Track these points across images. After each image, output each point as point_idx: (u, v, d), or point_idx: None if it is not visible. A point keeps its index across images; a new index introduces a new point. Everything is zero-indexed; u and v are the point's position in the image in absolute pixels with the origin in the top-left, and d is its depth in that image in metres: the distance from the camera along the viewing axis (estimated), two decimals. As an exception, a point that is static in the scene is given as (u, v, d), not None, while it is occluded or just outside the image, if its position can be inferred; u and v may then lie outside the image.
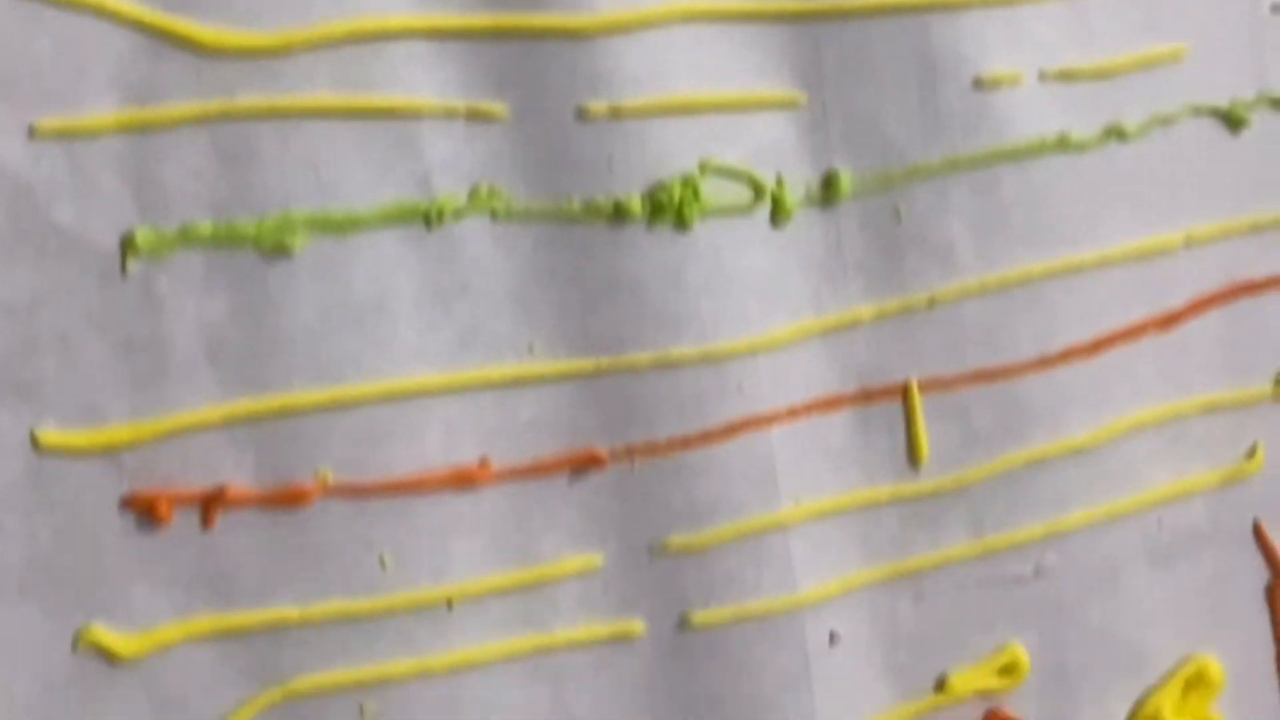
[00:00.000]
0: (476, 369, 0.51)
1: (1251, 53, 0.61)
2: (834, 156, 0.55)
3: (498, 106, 0.51)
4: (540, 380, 0.52)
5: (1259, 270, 0.61)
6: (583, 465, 0.52)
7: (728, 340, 0.53)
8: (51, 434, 0.46)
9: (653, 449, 0.53)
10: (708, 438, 0.54)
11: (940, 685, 0.58)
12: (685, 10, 0.53)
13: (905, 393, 0.57)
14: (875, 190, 0.56)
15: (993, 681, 0.58)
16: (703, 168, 0.53)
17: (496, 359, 0.51)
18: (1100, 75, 0.58)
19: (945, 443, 0.57)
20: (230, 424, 0.48)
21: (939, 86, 0.56)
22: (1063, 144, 0.58)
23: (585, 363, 0.52)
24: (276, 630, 0.49)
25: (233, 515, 0.48)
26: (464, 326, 0.51)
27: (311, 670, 0.50)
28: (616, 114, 0.52)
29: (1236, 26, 0.61)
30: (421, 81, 0.50)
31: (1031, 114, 0.57)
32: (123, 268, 0.47)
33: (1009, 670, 0.59)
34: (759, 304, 0.54)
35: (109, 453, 0.47)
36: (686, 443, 0.53)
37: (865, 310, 0.56)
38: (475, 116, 0.51)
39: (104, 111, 0.47)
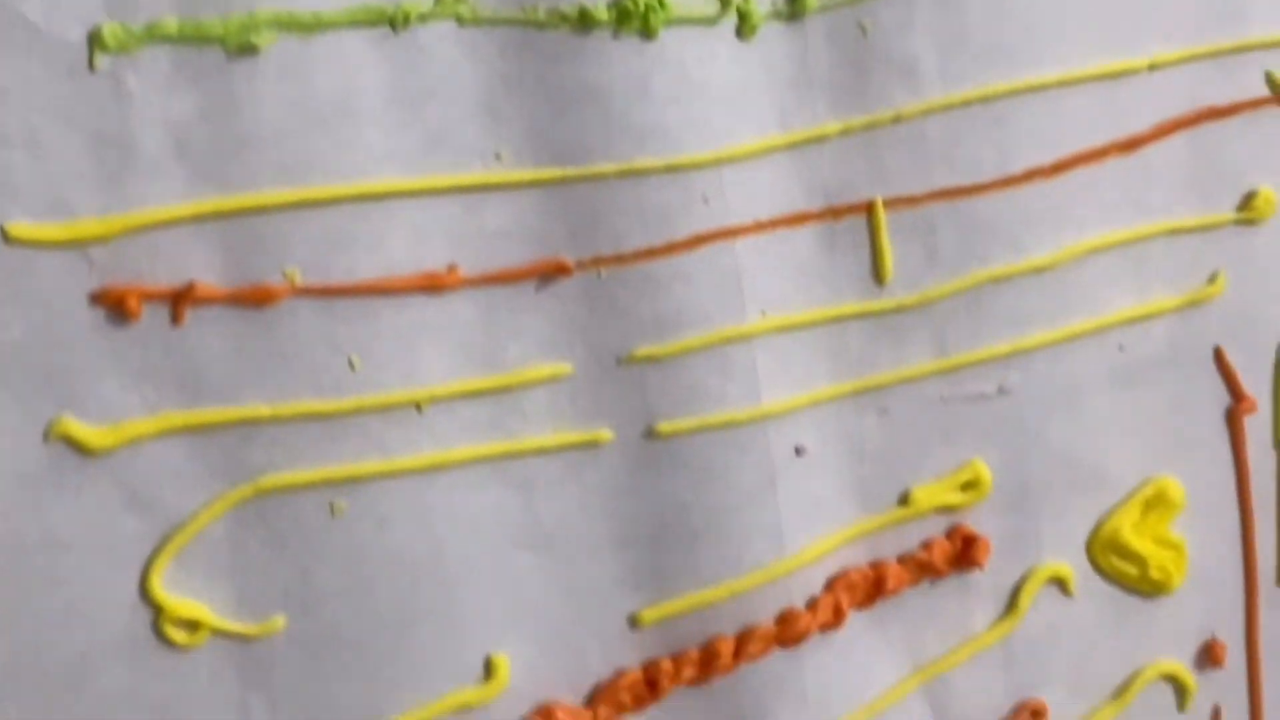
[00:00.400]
0: (443, 175, 0.51)
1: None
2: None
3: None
4: (507, 188, 0.52)
5: (1223, 95, 0.62)
6: (550, 274, 0.53)
7: (693, 152, 0.54)
8: (21, 227, 0.47)
9: (619, 259, 0.53)
10: (673, 248, 0.54)
11: (903, 500, 0.59)
12: None
13: (870, 209, 0.57)
14: (841, 4, 0.56)
15: (955, 497, 0.59)
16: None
17: (463, 166, 0.52)
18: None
19: (909, 260, 0.58)
20: (198, 221, 0.49)
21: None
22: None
23: (552, 171, 0.52)
24: (247, 428, 0.50)
25: (202, 312, 0.49)
26: (430, 131, 0.51)
27: (282, 468, 0.50)
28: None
29: None
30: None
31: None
32: (90, 63, 0.47)
33: (971, 486, 0.60)
34: (725, 117, 0.54)
35: (79, 247, 0.48)
36: (652, 253, 0.54)
37: (831, 126, 0.56)
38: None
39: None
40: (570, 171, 0.53)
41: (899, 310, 0.58)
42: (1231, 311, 0.63)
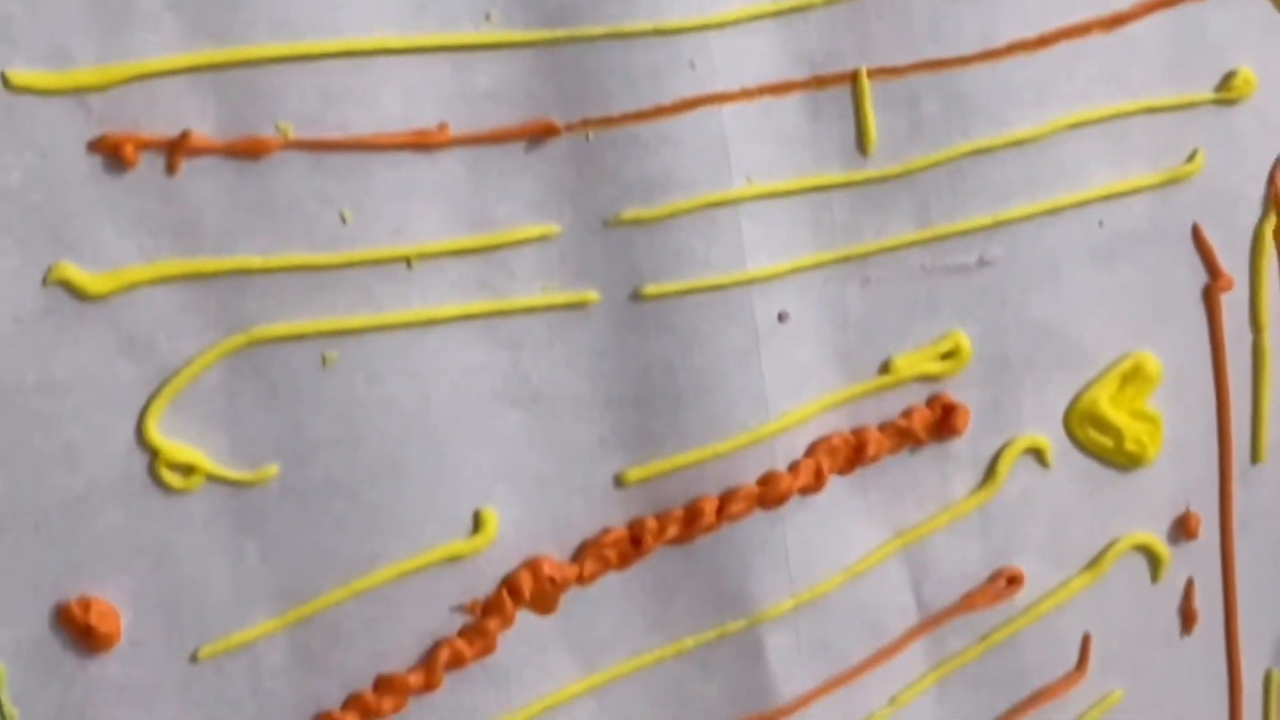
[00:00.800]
0: (434, 34, 0.52)
1: None
2: None
3: None
4: (496, 48, 0.53)
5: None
6: (538, 135, 0.54)
7: (681, 16, 0.55)
8: (21, 74, 0.48)
9: (607, 121, 0.54)
10: (661, 112, 0.55)
11: (885, 368, 0.60)
12: None
13: (855, 79, 0.58)
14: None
15: (935, 366, 0.60)
16: None
17: (453, 25, 0.53)
18: None
19: (893, 131, 0.59)
20: (193, 73, 0.49)
21: None
22: None
23: (541, 33, 0.53)
24: (240, 278, 0.51)
25: (197, 162, 0.50)
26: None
27: (274, 319, 0.51)
28: None
29: None
30: None
31: None
32: (87, -88, 0.48)
33: (951, 355, 0.61)
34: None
35: (77, 94, 0.48)
36: (640, 116, 0.55)
37: (818, 8, 0.57)
38: None
39: None
40: (559, 33, 0.53)
41: (882, 180, 0.59)
42: (1210, 190, 0.64)
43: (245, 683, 0.52)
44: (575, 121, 0.54)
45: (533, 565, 0.55)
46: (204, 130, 0.50)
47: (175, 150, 0.50)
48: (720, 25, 0.55)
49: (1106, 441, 0.63)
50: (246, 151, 0.50)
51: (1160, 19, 0.62)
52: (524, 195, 0.54)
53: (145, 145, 0.49)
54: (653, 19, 0.54)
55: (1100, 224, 0.62)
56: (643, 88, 0.55)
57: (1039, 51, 0.60)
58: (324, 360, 0.52)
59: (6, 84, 0.48)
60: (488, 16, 0.53)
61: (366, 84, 0.51)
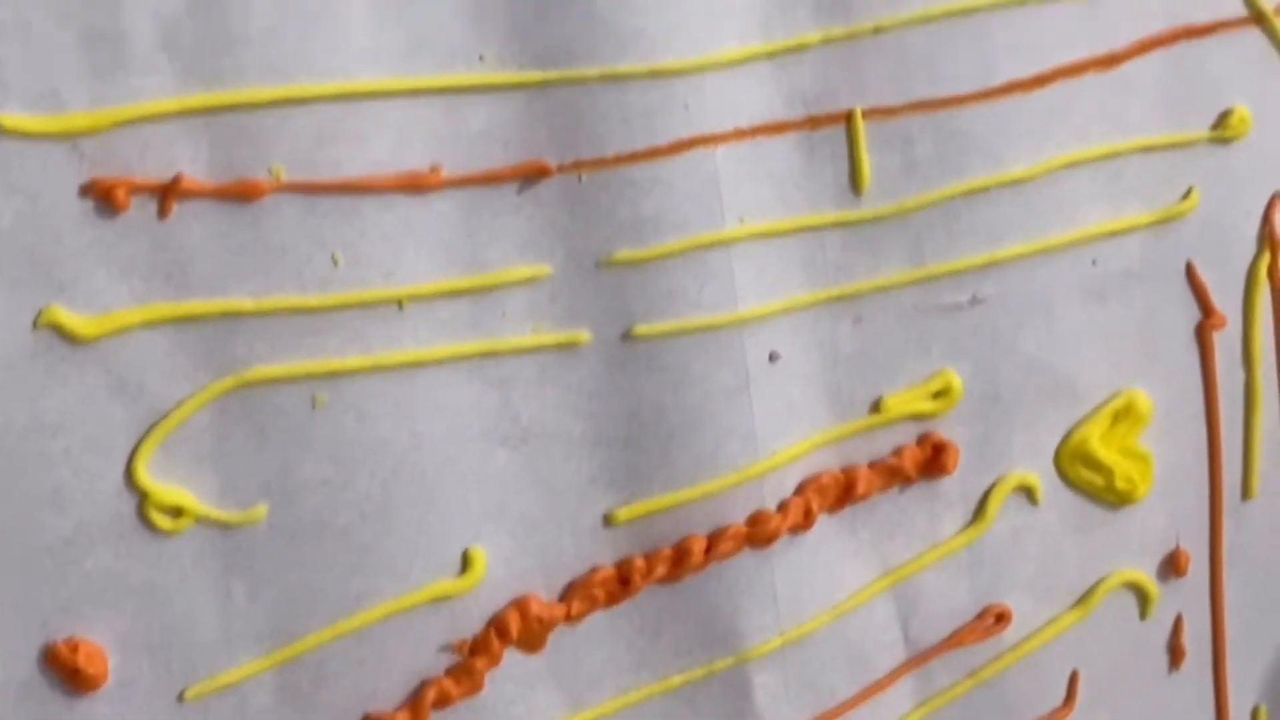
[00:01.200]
0: (427, 76, 0.52)
1: None
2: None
3: None
4: (490, 89, 0.53)
5: (1202, 15, 0.62)
6: (531, 176, 0.54)
7: (675, 58, 0.55)
8: (13, 117, 0.48)
9: (600, 163, 0.54)
10: (654, 153, 0.55)
11: (875, 407, 0.60)
12: None
13: (849, 119, 0.58)
14: (824, -84, 0.56)
15: (926, 405, 0.61)
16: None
17: (447, 67, 0.53)
18: None
19: (887, 171, 0.59)
20: (186, 116, 0.49)
21: None
22: None
23: (534, 74, 0.53)
24: (231, 321, 0.51)
25: (188, 206, 0.50)
26: (414, 32, 0.52)
27: (265, 361, 0.52)
28: None
29: None
30: None
31: None
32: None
33: (942, 394, 0.61)
34: (707, 24, 0.55)
35: (69, 139, 0.48)
36: (633, 157, 0.55)
37: (812, 35, 0.57)
38: None
39: None
40: (552, 75, 0.53)
41: (876, 220, 0.59)
42: (1204, 228, 0.64)
43: None
44: (568, 163, 0.54)
45: (520, 605, 0.55)
46: (196, 173, 0.50)
47: (167, 194, 0.50)
48: (716, 66, 0.55)
49: (1097, 479, 0.63)
50: (239, 195, 0.50)
51: (1157, 58, 0.62)
52: (516, 236, 0.54)
53: (137, 189, 0.49)
54: (648, 61, 0.54)
55: (1093, 262, 0.62)
56: (636, 129, 0.55)
57: (1035, 91, 0.60)
58: (314, 402, 0.52)
59: (1, 128, 0.48)
60: (481, 58, 0.53)
61: (359, 126, 0.52)
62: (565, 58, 0.53)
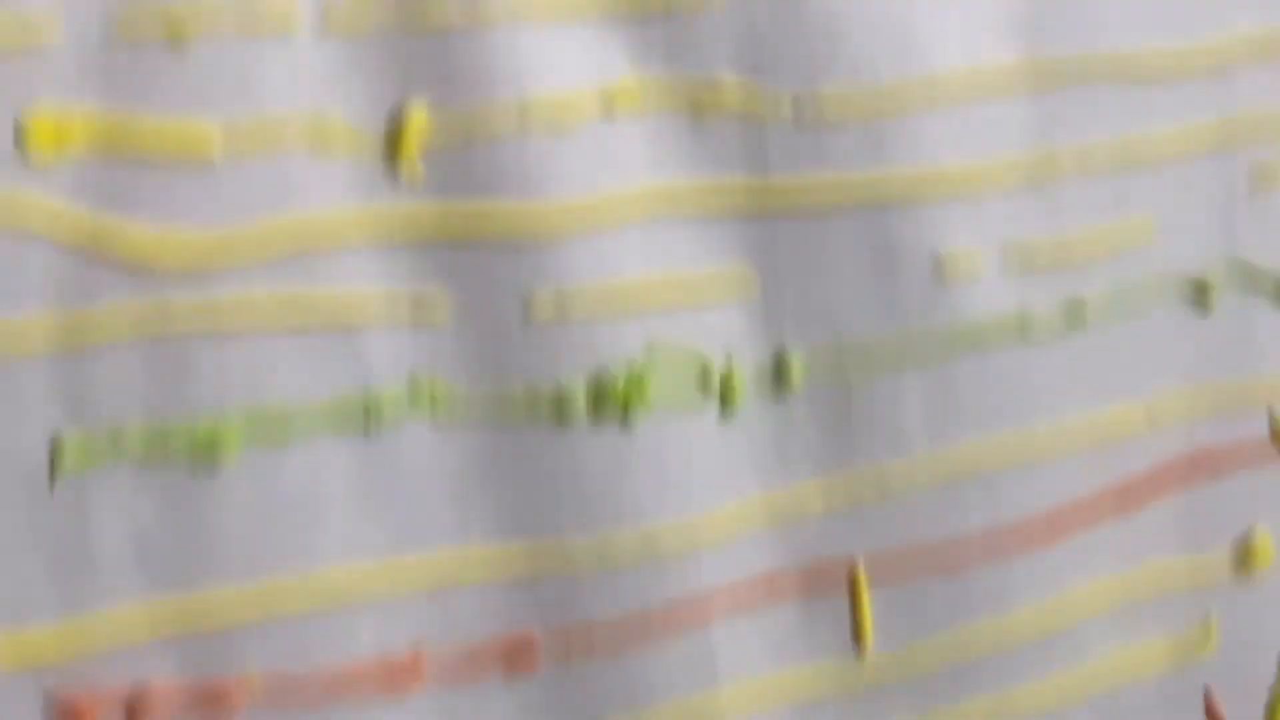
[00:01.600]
0: (410, 559, 0.51)
1: (1221, 230, 0.60)
2: (786, 344, 0.55)
3: (441, 304, 0.50)
4: (474, 576, 0.51)
5: (1222, 445, 0.61)
6: (518, 662, 0.52)
7: (671, 536, 0.53)
8: (-21, 642, 0.46)
9: (590, 647, 0.53)
10: (648, 630, 0.53)
11: None
12: (641, 195, 0.53)
13: (852, 585, 0.56)
14: (828, 379, 0.55)
15: None
16: (650, 350, 0.53)
17: (431, 550, 0.51)
18: (1063, 255, 0.58)
19: (891, 631, 0.57)
20: (155, 630, 0.48)
21: (897, 272, 0.55)
22: (1022, 328, 0.57)
23: (521, 558, 0.52)
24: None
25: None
26: (399, 526, 0.50)
27: None
28: (563, 311, 0.51)
29: (1208, 205, 0.60)
30: (364, 281, 0.50)
31: (991, 298, 0.57)
32: (51, 480, 0.46)
33: None
34: (704, 498, 0.54)
35: (33, 661, 0.47)
36: (627, 637, 0.53)
37: (814, 501, 0.56)
38: (419, 317, 0.50)
39: (34, 318, 0.46)
40: (541, 562, 0.52)
41: (878, 685, 0.57)
42: (1224, 664, 0.62)
43: None
44: (558, 647, 0.52)
45: None
46: (166, 688, 0.48)
47: (133, 715, 0.48)
48: (713, 543, 0.54)
49: None
50: (210, 704, 0.49)
51: (1174, 496, 0.60)
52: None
53: (103, 706, 0.48)
54: (641, 540, 0.53)
55: (1109, 697, 0.60)
56: (629, 606, 0.53)
57: (1049, 547, 0.58)
58: None
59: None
60: (467, 538, 0.51)
61: (338, 627, 0.50)
62: (553, 532, 0.52)
